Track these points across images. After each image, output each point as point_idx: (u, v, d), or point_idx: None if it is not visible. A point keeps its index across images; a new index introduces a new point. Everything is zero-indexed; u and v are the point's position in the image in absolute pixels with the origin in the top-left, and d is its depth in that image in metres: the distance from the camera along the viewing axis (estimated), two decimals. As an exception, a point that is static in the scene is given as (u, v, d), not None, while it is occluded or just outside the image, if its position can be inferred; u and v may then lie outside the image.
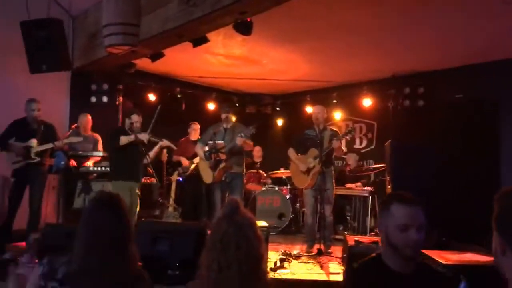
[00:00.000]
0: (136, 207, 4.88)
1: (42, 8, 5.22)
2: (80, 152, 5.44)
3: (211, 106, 7.86)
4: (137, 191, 4.89)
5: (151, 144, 5.00)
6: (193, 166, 6.18)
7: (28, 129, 4.82)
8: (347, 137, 4.92)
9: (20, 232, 4.74)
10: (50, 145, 4.76)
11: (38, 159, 4.73)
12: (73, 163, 5.30)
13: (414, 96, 6.53)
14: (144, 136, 4.83)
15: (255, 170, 6.96)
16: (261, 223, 4.16)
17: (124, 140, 4.85)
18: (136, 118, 4.94)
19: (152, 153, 5.05)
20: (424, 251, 3.76)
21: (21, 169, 4.71)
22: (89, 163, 5.48)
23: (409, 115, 6.55)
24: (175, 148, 5.09)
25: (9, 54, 5.55)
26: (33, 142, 4.74)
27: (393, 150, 4.57)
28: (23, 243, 4.68)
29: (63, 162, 4.96)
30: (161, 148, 5.25)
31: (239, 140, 4.81)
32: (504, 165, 5.58)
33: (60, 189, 5.48)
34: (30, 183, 4.78)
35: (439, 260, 3.06)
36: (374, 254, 1.94)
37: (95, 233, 1.78)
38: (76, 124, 5.77)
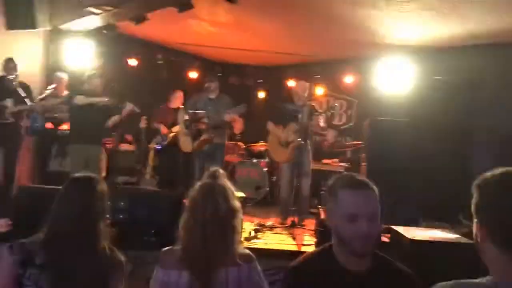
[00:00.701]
0: (96, 172, 4.80)
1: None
2: (56, 115, 5.32)
3: (193, 74, 7.76)
4: (99, 154, 4.82)
5: (113, 109, 4.89)
6: (172, 134, 6.15)
7: (4, 88, 4.68)
8: (329, 113, 4.96)
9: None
10: (25, 107, 4.64)
11: (12, 120, 4.61)
12: (49, 125, 5.20)
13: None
14: (104, 100, 4.77)
15: (234, 142, 6.98)
16: (238, 194, 4.24)
17: (80, 99, 4.77)
18: (95, 82, 4.90)
19: (117, 118, 4.93)
20: (393, 227, 3.92)
21: None
22: (65, 126, 5.38)
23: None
24: (138, 111, 4.97)
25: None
26: (9, 101, 4.62)
27: (371, 127, 4.65)
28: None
29: (37, 124, 4.86)
30: (130, 113, 5.05)
31: (228, 117, 4.81)
32: (476, 145, 5.71)
33: (35, 151, 5.38)
34: (4, 145, 4.69)
35: (405, 235, 3.19)
36: (320, 248, 1.66)
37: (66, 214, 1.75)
38: (53, 85, 5.61)
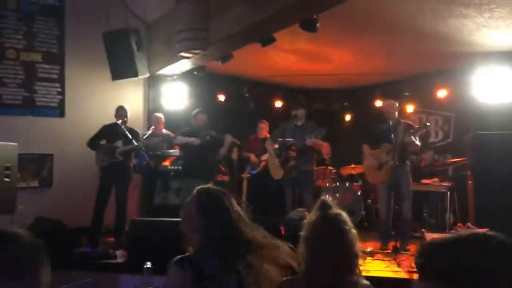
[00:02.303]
0: None
1: (120, 18, 5.63)
2: (158, 152, 5.79)
3: (278, 104, 7.94)
4: None
5: (217, 142, 5.13)
6: (262, 163, 6.30)
7: (116, 132, 5.24)
8: (422, 131, 4.70)
9: (109, 227, 5.18)
10: (133, 146, 5.12)
11: (121, 158, 5.11)
12: (151, 162, 5.66)
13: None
14: (197, 141, 5.02)
15: (324, 167, 6.91)
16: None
17: (179, 139, 5.15)
18: (200, 116, 5.18)
19: (223, 150, 5.17)
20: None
21: (107, 168, 5.13)
22: (166, 163, 5.82)
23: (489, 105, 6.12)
24: (238, 143, 5.20)
25: (94, 63, 6.07)
26: (119, 143, 5.16)
27: (475, 141, 4.30)
28: (113, 238, 5.10)
29: (144, 162, 5.32)
30: (231, 145, 5.31)
31: (309, 141, 4.85)
32: None
33: (142, 187, 5.87)
34: (116, 182, 5.19)
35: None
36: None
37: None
38: (152, 126, 6.14)
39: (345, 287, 1.65)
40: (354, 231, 1.73)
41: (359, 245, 1.73)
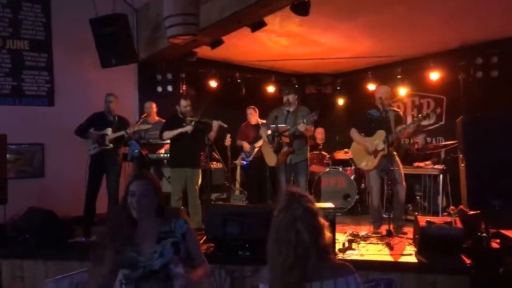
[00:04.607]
0: (194, 192, 5.02)
1: (107, 3, 5.50)
2: (151, 141, 5.75)
3: (270, 89, 7.89)
4: (197, 176, 5.05)
5: (206, 128, 5.06)
6: (256, 149, 6.28)
7: (105, 120, 5.19)
8: (415, 125, 4.68)
9: (102, 216, 5.15)
10: (122, 133, 5.08)
11: (111, 146, 5.07)
12: (145, 151, 5.62)
13: (487, 66, 6.11)
14: (187, 129, 4.97)
15: (317, 152, 6.92)
16: (327, 204, 4.17)
17: (166, 135, 5.08)
18: (184, 103, 5.10)
19: (212, 134, 5.09)
20: (504, 231, 3.57)
21: (97, 155, 5.09)
22: (162, 151, 5.79)
23: (483, 87, 6.14)
24: (225, 126, 5.11)
25: (81, 51, 5.96)
26: (108, 130, 5.12)
27: (466, 125, 4.30)
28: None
29: (136, 150, 5.27)
30: (218, 128, 5.19)
31: (301, 126, 4.82)
32: None
33: (134, 175, 5.82)
34: (106, 171, 5.15)
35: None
36: None
37: None
38: (144, 114, 6.08)
39: (316, 270, 1.66)
40: (323, 222, 1.74)
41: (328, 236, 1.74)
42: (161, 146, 5.78)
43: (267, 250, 1.76)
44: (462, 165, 4.39)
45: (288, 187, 1.90)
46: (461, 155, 4.55)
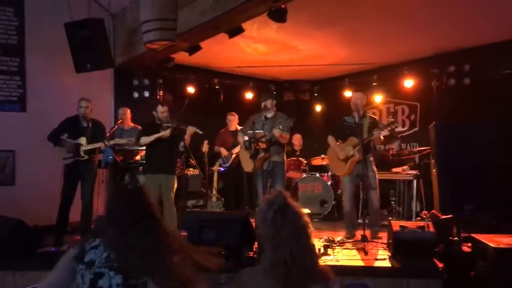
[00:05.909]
0: (169, 199, 4.98)
1: (83, 8, 5.43)
2: (126, 147, 5.66)
3: (249, 95, 7.91)
4: (172, 182, 5.01)
5: (180, 134, 5.04)
6: (233, 156, 6.27)
7: (78, 126, 4.99)
8: (388, 129, 4.77)
9: (75, 225, 5.03)
10: (98, 145, 4.93)
11: (86, 157, 4.91)
12: (119, 157, 5.52)
13: (460, 74, 6.27)
14: (165, 133, 4.94)
15: (295, 158, 6.95)
16: (304, 210, 4.18)
17: (144, 140, 5.04)
18: (161, 109, 5.07)
19: (186, 139, 5.05)
20: (475, 235, 3.65)
21: (72, 165, 4.94)
22: (138, 157, 5.70)
23: (455, 94, 6.30)
24: (201, 132, 5.09)
25: (56, 55, 5.85)
26: (83, 140, 4.89)
27: (438, 131, 4.40)
28: (79, 236, 4.95)
29: (111, 157, 5.18)
30: (193, 134, 5.17)
31: (276, 131, 4.84)
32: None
33: (109, 182, 5.72)
34: (81, 179, 5.01)
35: (489, 244, 2.96)
36: None
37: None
38: (119, 120, 5.99)
39: (305, 275, 1.66)
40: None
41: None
42: (136, 152, 5.70)
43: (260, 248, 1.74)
44: (434, 170, 4.49)
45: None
46: (433, 161, 4.65)
